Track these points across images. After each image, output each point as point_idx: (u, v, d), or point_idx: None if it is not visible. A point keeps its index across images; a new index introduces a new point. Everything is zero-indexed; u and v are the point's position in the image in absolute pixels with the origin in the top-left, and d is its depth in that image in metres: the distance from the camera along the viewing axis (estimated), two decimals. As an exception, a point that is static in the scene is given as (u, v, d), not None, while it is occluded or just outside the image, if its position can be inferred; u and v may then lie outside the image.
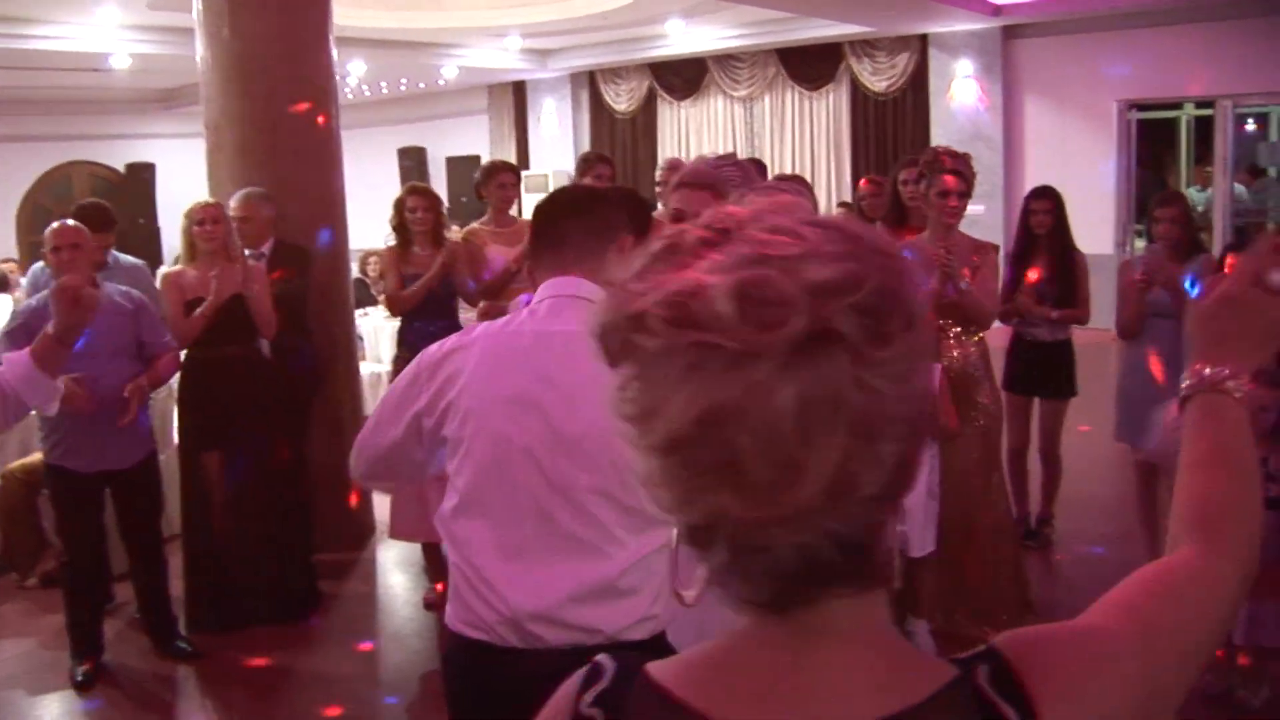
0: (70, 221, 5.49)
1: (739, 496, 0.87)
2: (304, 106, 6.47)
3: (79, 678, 5.37)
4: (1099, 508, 6.97)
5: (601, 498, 2.31)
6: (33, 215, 18.55)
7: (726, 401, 0.86)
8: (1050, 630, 1.04)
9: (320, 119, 6.60)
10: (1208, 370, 1.25)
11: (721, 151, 16.44)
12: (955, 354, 5.28)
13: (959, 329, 5.26)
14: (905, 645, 1.02)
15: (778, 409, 0.85)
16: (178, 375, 5.88)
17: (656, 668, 1.02)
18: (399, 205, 6.42)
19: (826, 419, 0.86)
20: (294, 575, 6.10)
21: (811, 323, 0.85)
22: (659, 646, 2.35)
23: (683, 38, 15.54)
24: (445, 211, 6.71)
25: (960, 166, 5.19)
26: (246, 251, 6.12)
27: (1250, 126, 14.62)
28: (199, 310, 5.64)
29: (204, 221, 5.73)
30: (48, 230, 5.41)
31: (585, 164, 6.96)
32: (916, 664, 0.99)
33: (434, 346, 2.48)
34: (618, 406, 0.94)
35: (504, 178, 6.57)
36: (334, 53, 6.77)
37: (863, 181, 7.58)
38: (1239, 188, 13.70)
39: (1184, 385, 1.27)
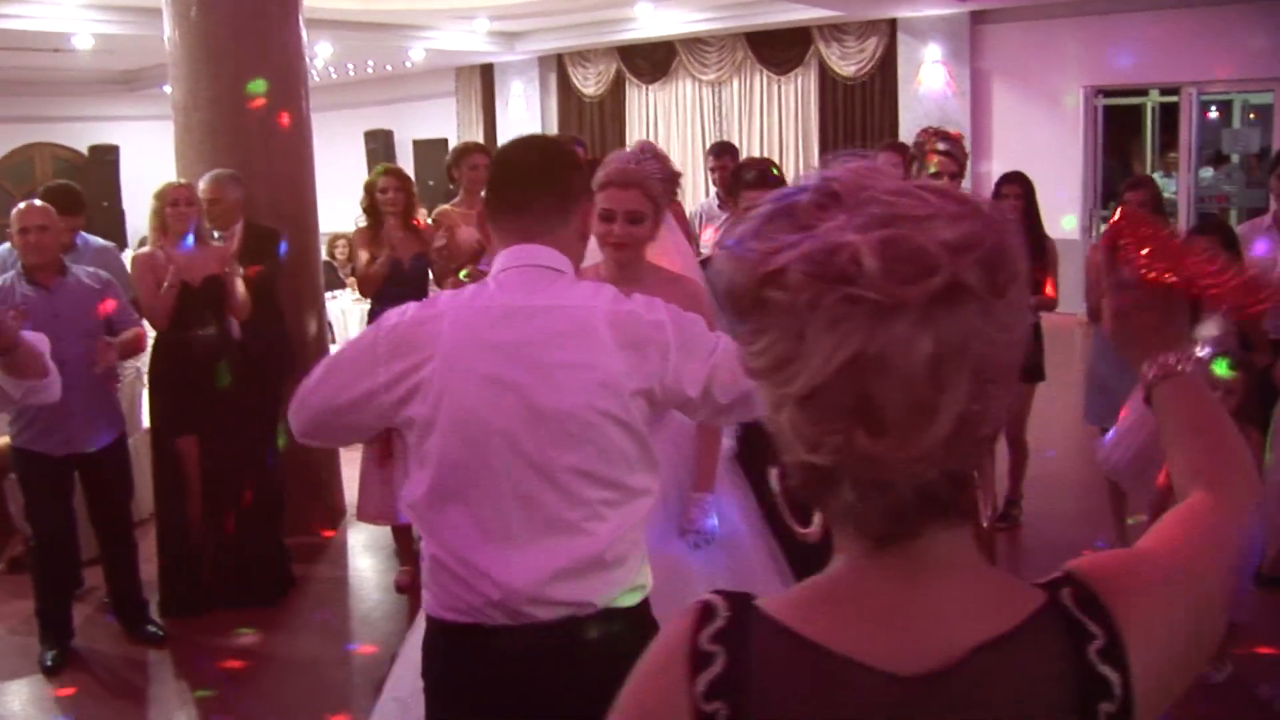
0: (37, 202, 5.46)
1: (874, 438, 0.95)
2: (260, 102, 6.42)
3: (48, 663, 5.34)
4: (1065, 489, 7.03)
5: (584, 476, 2.29)
6: (-5, 198, 18.40)
7: (869, 350, 0.93)
8: (1118, 555, 1.15)
9: (290, 102, 6.56)
10: (1154, 366, 1.34)
11: (690, 137, 16.48)
12: None
13: None
14: (998, 573, 1.09)
15: (916, 357, 0.93)
16: (148, 358, 5.85)
17: (767, 604, 1.07)
18: (370, 187, 6.40)
19: (957, 366, 0.94)
20: (266, 559, 6.09)
21: (948, 277, 0.93)
22: (647, 612, 2.40)
23: (651, 21, 15.51)
24: (415, 192, 6.67)
25: (951, 148, 5.21)
26: (215, 234, 6.09)
27: (1213, 114, 14.72)
28: (165, 285, 5.59)
29: (177, 202, 5.69)
30: (14, 211, 5.36)
31: (461, 154, 6.79)
32: (1010, 590, 1.07)
33: (394, 314, 2.36)
34: (744, 360, 1.01)
35: (476, 159, 6.55)
36: (304, 33, 6.72)
37: None
38: (1207, 172, 13.80)
39: (1143, 384, 1.36)
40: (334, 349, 6.81)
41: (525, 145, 2.58)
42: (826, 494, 1.02)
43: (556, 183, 2.45)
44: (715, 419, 2.58)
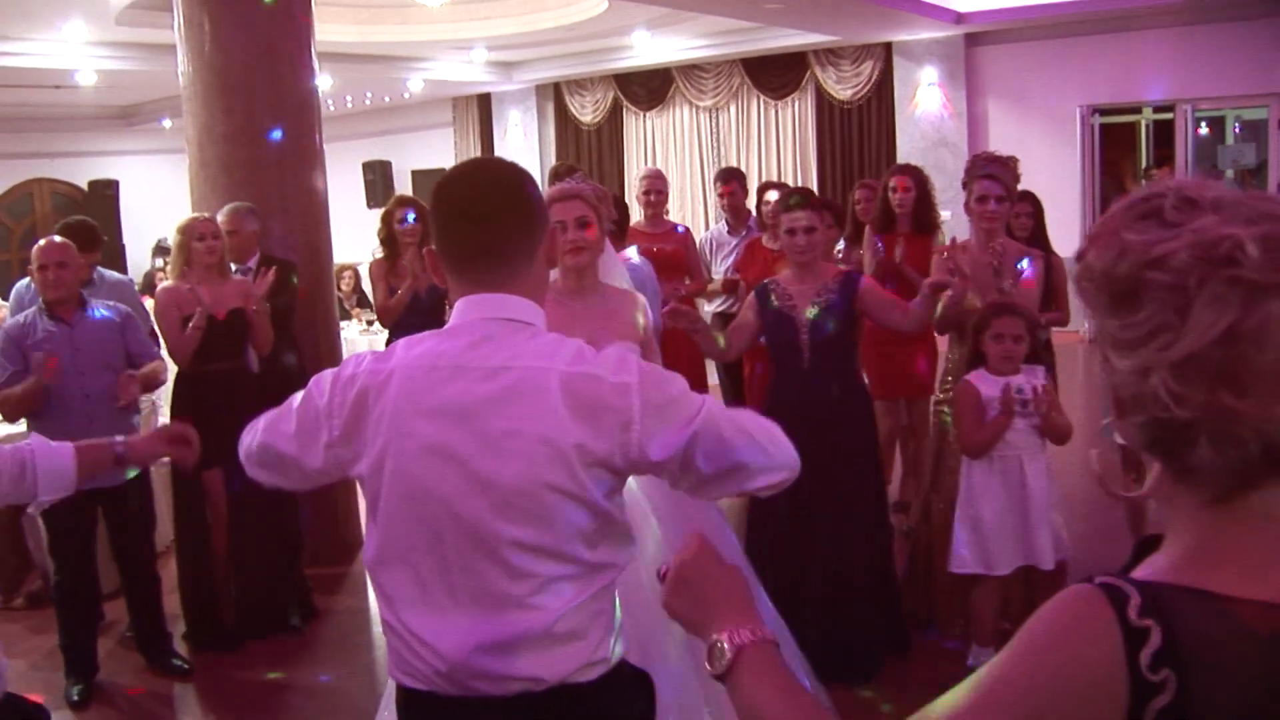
0: (57, 238, 5.51)
1: (1237, 398, 1.11)
2: (287, 121, 6.48)
3: (74, 697, 5.35)
4: (1070, 509, 7.03)
5: (529, 550, 2.11)
6: (-6, 234, 18.45)
7: (1245, 324, 1.10)
8: None
9: (303, 134, 6.62)
10: (726, 639, 1.49)
11: (688, 164, 16.50)
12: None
13: None
14: None
15: None
16: (169, 391, 5.87)
17: (1156, 575, 1.19)
18: (388, 217, 6.44)
19: None
20: (288, 590, 6.10)
21: None
22: (612, 686, 2.24)
23: (648, 49, 15.60)
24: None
25: (997, 171, 5.23)
26: (233, 266, 6.13)
27: (1204, 130, 14.84)
28: (191, 323, 5.63)
29: (204, 236, 5.73)
30: (35, 248, 5.41)
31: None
32: None
33: (350, 363, 2.22)
34: (1114, 332, 1.18)
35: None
36: (316, 67, 6.77)
37: (860, 190, 7.60)
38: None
39: (715, 661, 1.49)
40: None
41: (482, 179, 2.28)
42: (1180, 447, 1.17)
43: (523, 219, 2.22)
44: (699, 491, 2.25)
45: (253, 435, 2.32)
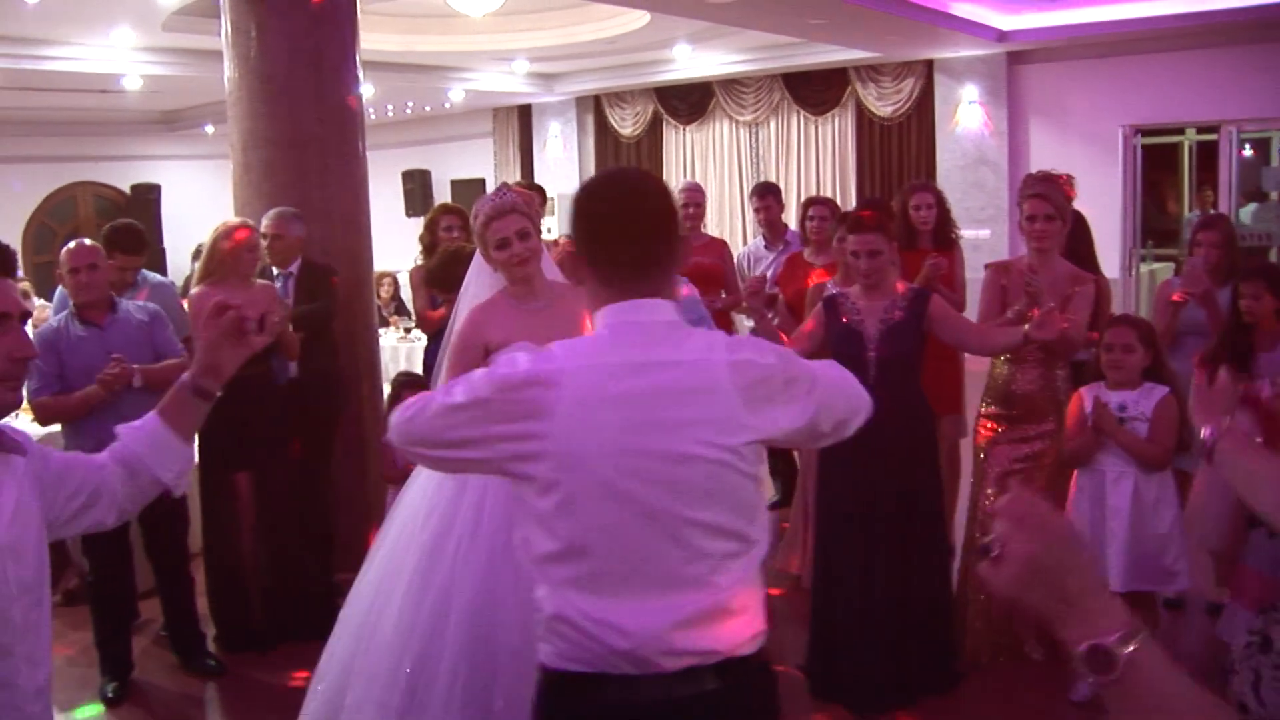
0: (86, 241, 5.52)
1: None
2: (331, 127, 6.52)
3: (109, 694, 5.39)
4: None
5: (710, 530, 2.27)
6: (38, 236, 18.62)
7: None
8: None
9: (346, 140, 6.66)
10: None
11: (727, 178, 16.53)
12: (1032, 376, 5.24)
13: (1039, 356, 5.19)
14: None
15: None
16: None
17: None
18: (432, 224, 6.46)
19: None
20: (317, 593, 6.11)
21: None
22: (764, 658, 2.41)
23: (689, 62, 15.61)
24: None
25: (1046, 190, 5.16)
26: (275, 270, 6.17)
27: (1247, 152, 14.71)
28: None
29: (254, 248, 5.78)
30: (64, 251, 5.43)
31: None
32: None
33: (505, 365, 2.31)
34: None
35: (450, 220, 6.60)
36: (360, 74, 6.82)
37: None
38: (1248, 210, 13.76)
39: (1097, 665, 1.33)
40: (387, 387, 6.87)
41: (637, 195, 2.44)
42: None
43: (673, 232, 2.42)
44: (813, 444, 2.60)
45: (410, 420, 2.36)
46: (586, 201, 2.42)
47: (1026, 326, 4.69)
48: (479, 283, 4.31)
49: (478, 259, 4.32)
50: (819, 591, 5.11)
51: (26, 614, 2.26)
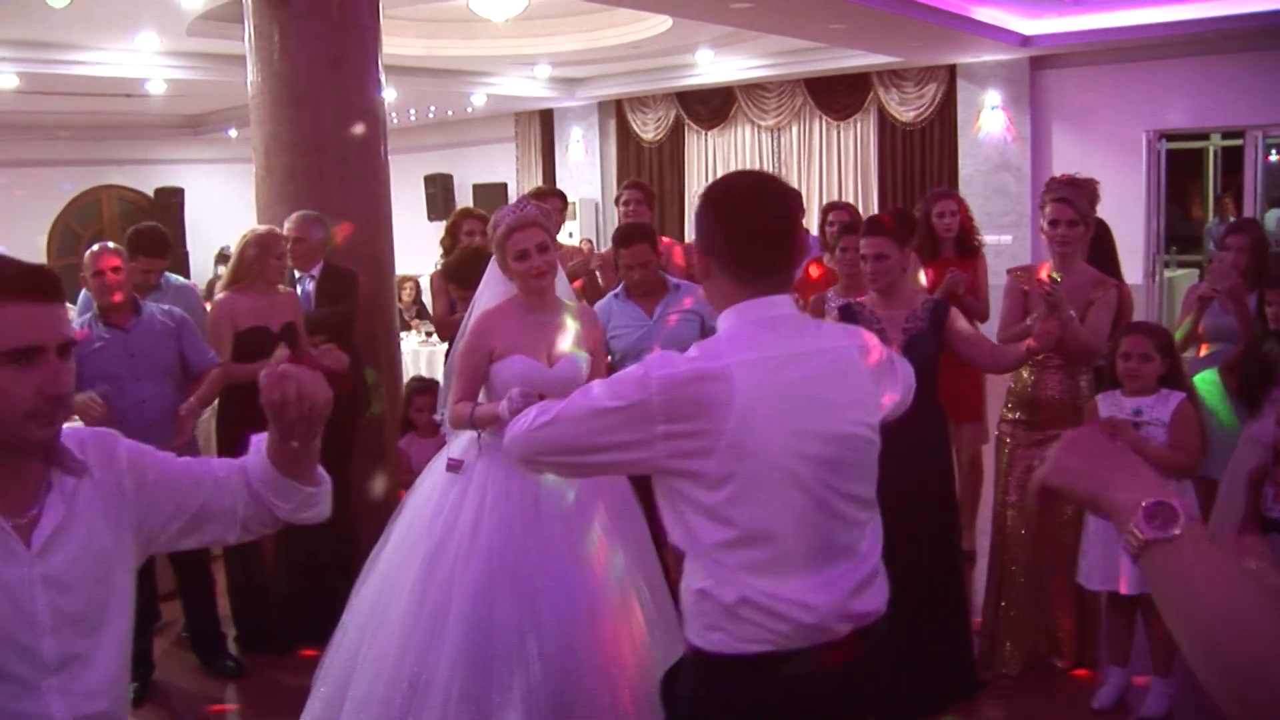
0: (110, 244, 5.53)
1: None
2: (353, 131, 6.55)
3: (130, 695, 5.39)
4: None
5: (860, 503, 2.49)
6: (62, 239, 18.75)
7: None
8: None
9: (368, 144, 6.68)
10: (1148, 501, 1.34)
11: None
12: (1055, 382, 5.18)
13: (1061, 362, 5.13)
14: None
15: None
16: (218, 399, 5.88)
17: None
18: (453, 228, 6.47)
19: None
20: (338, 595, 6.12)
21: None
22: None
23: (711, 67, 15.62)
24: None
25: (1069, 194, 5.06)
26: (296, 274, 6.19)
27: (1274, 157, 14.65)
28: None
29: (283, 255, 5.81)
30: (87, 254, 5.44)
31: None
32: None
33: (661, 366, 2.35)
34: None
35: (550, 203, 6.62)
36: (383, 78, 6.84)
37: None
38: (1273, 215, 13.70)
39: (1142, 527, 1.35)
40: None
41: (779, 196, 2.52)
42: None
43: (801, 231, 2.59)
44: (889, 419, 2.75)
45: (541, 429, 2.41)
46: (727, 204, 2.51)
47: (1028, 341, 4.71)
48: (493, 290, 4.39)
49: (493, 267, 4.38)
50: None
51: (68, 646, 2.11)
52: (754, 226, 2.47)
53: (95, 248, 5.45)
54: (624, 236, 5.94)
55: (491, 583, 3.90)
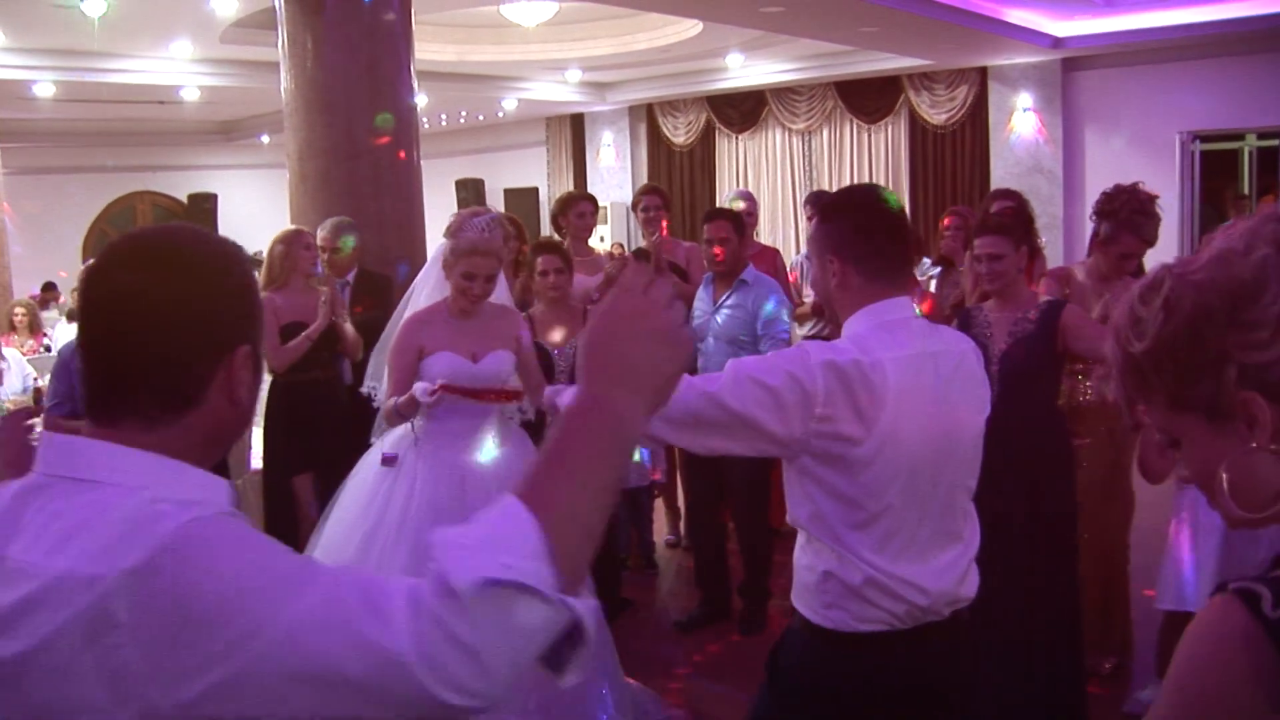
0: None
1: None
2: (385, 139, 6.59)
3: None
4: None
5: (968, 491, 2.68)
6: (98, 244, 18.90)
7: None
8: None
9: (401, 151, 6.72)
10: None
11: (780, 186, 16.50)
12: (1089, 385, 5.03)
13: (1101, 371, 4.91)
14: None
15: None
16: (264, 400, 5.96)
17: None
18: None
19: None
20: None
21: None
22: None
23: (742, 71, 15.63)
24: (527, 239, 6.73)
25: (1146, 227, 4.84)
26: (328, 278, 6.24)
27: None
28: (305, 334, 5.74)
29: (310, 246, 5.87)
30: (82, 270, 5.35)
31: (567, 203, 6.81)
32: None
33: (819, 352, 2.48)
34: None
35: (583, 207, 6.64)
36: (415, 83, 6.88)
37: (945, 219, 7.47)
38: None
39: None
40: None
41: (895, 204, 2.74)
42: None
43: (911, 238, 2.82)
44: None
45: (701, 400, 2.46)
46: (862, 211, 2.68)
47: None
48: (429, 291, 4.66)
49: (437, 262, 4.60)
50: None
51: None
52: (889, 229, 2.66)
53: (92, 262, 5.34)
54: (709, 214, 6.16)
55: (417, 570, 3.96)
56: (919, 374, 2.54)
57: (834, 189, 15.57)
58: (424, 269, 4.85)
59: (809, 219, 7.87)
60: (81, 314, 1.47)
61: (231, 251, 1.51)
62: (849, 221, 2.67)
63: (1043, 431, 4.54)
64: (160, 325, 1.40)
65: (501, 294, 4.69)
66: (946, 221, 7.30)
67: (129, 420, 1.41)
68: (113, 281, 1.43)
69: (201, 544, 1.26)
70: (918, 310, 2.71)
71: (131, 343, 1.41)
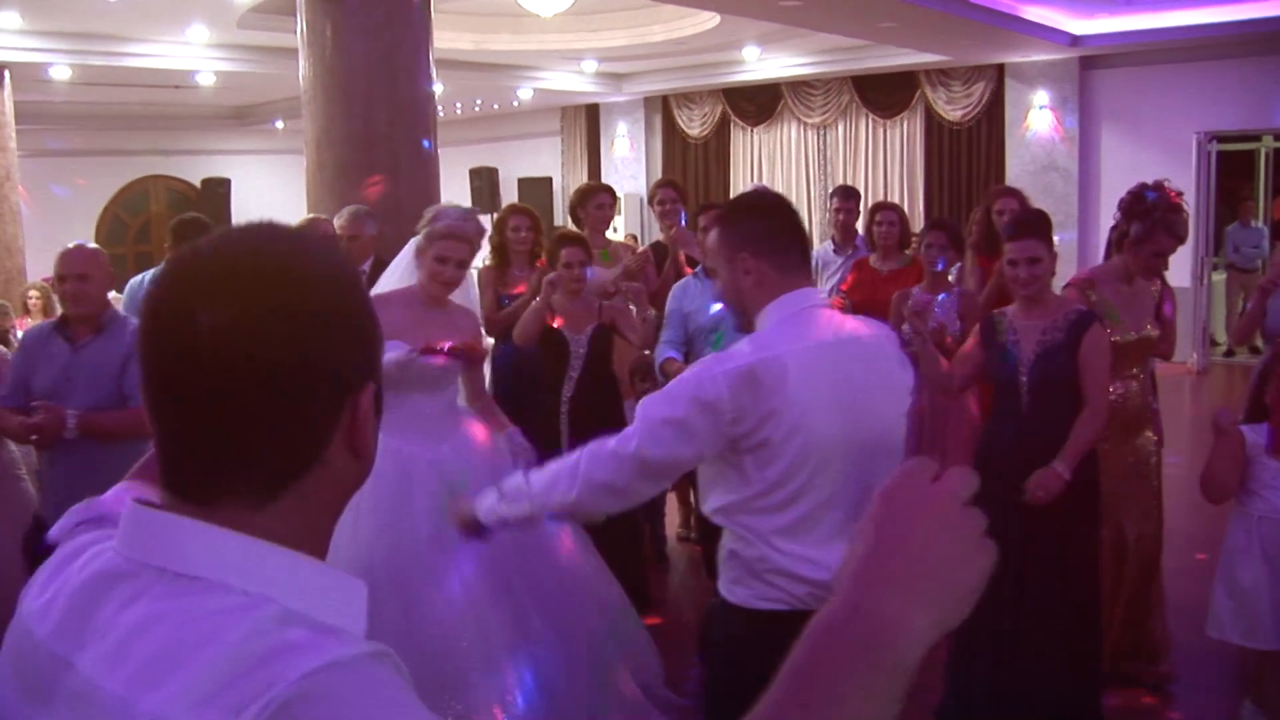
0: (89, 244, 4.81)
1: None
2: (402, 128, 6.59)
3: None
4: (1189, 540, 6.87)
5: (885, 475, 2.58)
6: (111, 228, 18.94)
7: None
8: None
9: (418, 139, 6.72)
10: None
11: (795, 180, 16.55)
12: (1123, 389, 4.91)
13: (1137, 369, 4.94)
14: None
15: None
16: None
17: None
18: (499, 224, 6.48)
19: None
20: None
21: None
22: None
23: (758, 64, 15.60)
24: (544, 231, 6.70)
25: (1178, 225, 4.78)
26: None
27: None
28: None
29: (341, 239, 5.91)
30: (57, 255, 4.67)
31: (586, 194, 6.79)
32: None
33: (716, 362, 2.62)
34: None
35: (601, 198, 6.63)
36: (433, 74, 6.87)
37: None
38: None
39: None
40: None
41: (771, 193, 2.97)
42: None
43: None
44: None
45: (627, 465, 2.63)
46: (757, 208, 2.90)
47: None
48: (399, 275, 4.73)
49: (411, 250, 4.64)
50: (960, 638, 4.56)
51: None
52: (794, 226, 2.85)
53: (70, 246, 4.70)
54: (701, 208, 6.29)
55: (376, 560, 4.03)
56: (824, 363, 2.64)
57: (850, 184, 15.56)
58: (395, 259, 4.89)
59: (835, 211, 7.80)
60: (149, 365, 1.09)
61: (338, 262, 1.16)
62: (760, 221, 2.82)
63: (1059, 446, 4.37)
64: (264, 374, 1.05)
65: (469, 296, 4.81)
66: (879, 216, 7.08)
67: (229, 499, 1.07)
68: (195, 324, 1.05)
69: (338, 705, 0.93)
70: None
71: (230, 404, 1.05)
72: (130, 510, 1.09)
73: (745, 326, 2.82)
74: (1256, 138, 14.25)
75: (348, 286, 1.14)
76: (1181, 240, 4.87)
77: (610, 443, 2.66)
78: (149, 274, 5.45)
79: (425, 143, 6.60)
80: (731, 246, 2.78)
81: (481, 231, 4.66)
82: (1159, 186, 4.94)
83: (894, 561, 1.01)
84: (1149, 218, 4.80)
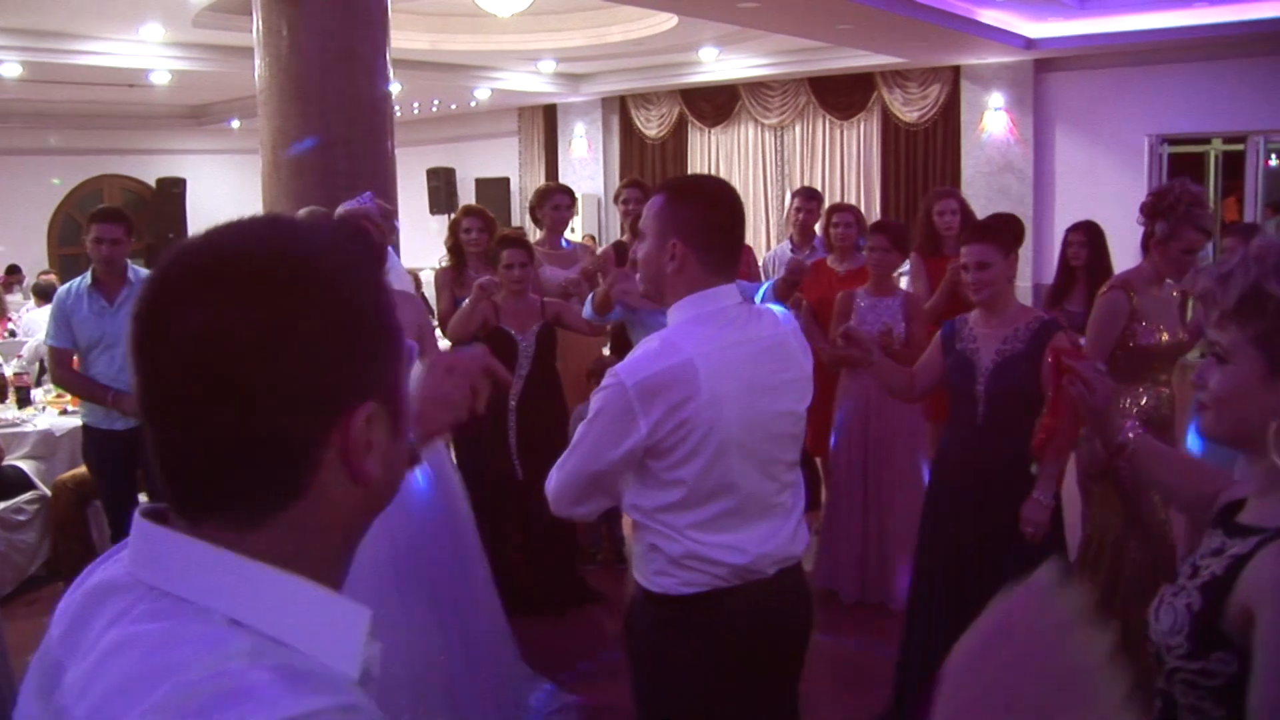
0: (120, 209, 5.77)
1: None
2: (360, 128, 6.55)
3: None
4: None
5: (790, 466, 2.85)
6: (64, 228, 18.76)
7: None
8: None
9: (376, 140, 6.69)
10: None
11: (752, 181, 16.54)
12: (1147, 399, 4.79)
13: (1166, 376, 4.85)
14: None
15: None
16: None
17: None
18: (454, 226, 6.45)
19: None
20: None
21: None
22: None
23: (715, 65, 15.63)
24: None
25: (1205, 219, 4.63)
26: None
27: (1274, 162, 14.64)
28: None
29: None
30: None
31: (544, 195, 6.77)
32: None
33: (625, 371, 2.63)
34: None
35: (559, 199, 6.62)
36: (390, 73, 6.84)
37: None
38: (1274, 221, 13.70)
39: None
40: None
41: (734, 195, 2.88)
42: None
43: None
44: None
45: (563, 489, 2.74)
46: (700, 199, 2.80)
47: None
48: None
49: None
50: (911, 644, 4.57)
51: None
52: (735, 224, 2.83)
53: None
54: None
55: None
56: (732, 363, 2.68)
57: (807, 185, 15.62)
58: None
59: (796, 211, 7.70)
60: (140, 368, 0.98)
61: (344, 264, 1.02)
62: (701, 210, 2.76)
63: (1025, 462, 4.12)
64: (226, 390, 0.94)
65: (405, 282, 4.95)
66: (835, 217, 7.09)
67: (213, 520, 0.98)
68: (168, 330, 0.96)
69: None
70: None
71: (197, 421, 0.95)
72: (135, 520, 1.02)
73: (654, 297, 2.84)
74: (1206, 140, 14.40)
75: (348, 292, 1.00)
76: (1209, 234, 4.69)
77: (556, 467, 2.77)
78: (74, 283, 5.56)
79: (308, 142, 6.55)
80: (668, 226, 2.73)
81: (385, 210, 4.84)
82: (1182, 183, 4.77)
83: (990, 695, 1.12)
84: (1173, 214, 4.63)
